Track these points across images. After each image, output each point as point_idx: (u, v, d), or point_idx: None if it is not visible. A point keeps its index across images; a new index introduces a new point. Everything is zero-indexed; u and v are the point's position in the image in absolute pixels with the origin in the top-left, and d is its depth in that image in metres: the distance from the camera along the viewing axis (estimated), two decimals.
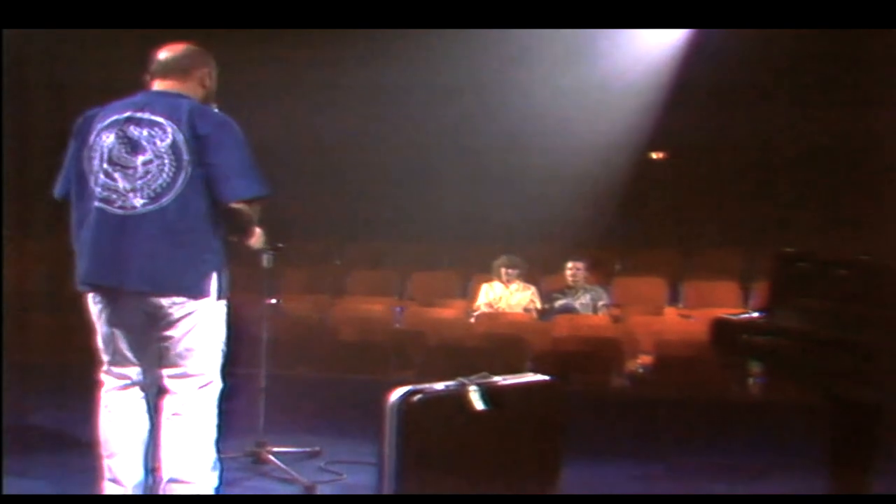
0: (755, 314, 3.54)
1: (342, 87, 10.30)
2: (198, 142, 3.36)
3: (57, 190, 3.56)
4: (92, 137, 3.47)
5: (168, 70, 3.52)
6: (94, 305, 3.52)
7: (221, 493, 3.56)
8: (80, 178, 3.48)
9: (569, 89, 9.61)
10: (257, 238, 3.68)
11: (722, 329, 3.42)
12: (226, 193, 3.36)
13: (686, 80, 9.45)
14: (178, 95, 3.49)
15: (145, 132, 3.42)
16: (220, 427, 3.52)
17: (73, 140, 3.55)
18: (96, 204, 3.41)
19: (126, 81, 3.57)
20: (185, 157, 3.36)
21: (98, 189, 3.42)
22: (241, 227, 3.50)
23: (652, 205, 10.88)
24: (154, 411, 3.54)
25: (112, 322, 3.49)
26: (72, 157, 3.53)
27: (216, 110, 3.49)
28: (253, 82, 9.43)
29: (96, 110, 3.55)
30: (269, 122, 9.84)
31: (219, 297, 3.47)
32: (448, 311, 8.77)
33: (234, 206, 3.37)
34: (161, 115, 3.42)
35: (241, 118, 3.46)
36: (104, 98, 3.59)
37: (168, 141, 3.39)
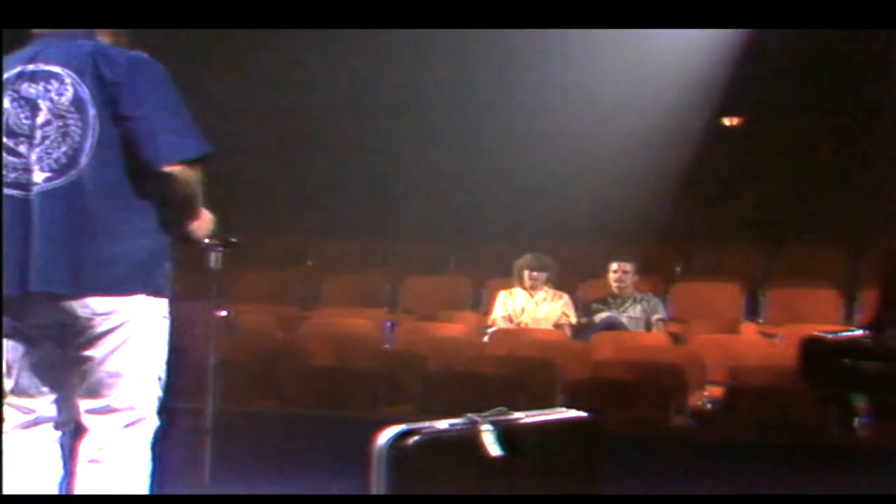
0: (860, 332, 3.53)
1: (338, 65, 10.44)
2: (107, 92, 3.34)
3: None
4: None
5: None
6: None
7: None
8: None
9: (613, 51, 9.64)
10: (205, 223, 3.62)
11: (816, 351, 3.41)
12: (152, 154, 3.32)
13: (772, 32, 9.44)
14: (78, 37, 3.47)
15: (41, 87, 3.40)
16: (152, 479, 3.52)
17: None
18: (4, 191, 3.40)
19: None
20: (92, 113, 3.36)
21: (5, 171, 3.42)
22: (180, 204, 3.49)
23: (724, 187, 10.87)
24: (69, 457, 3.52)
25: (16, 338, 3.47)
26: None
27: (130, 51, 3.46)
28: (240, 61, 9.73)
29: None
30: (231, 90, 10.04)
31: (153, 293, 3.45)
32: (454, 327, 8.77)
33: (168, 171, 3.36)
34: (56, 64, 3.40)
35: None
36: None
37: (68, 94, 3.37)
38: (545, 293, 8.72)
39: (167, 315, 3.52)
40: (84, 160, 3.37)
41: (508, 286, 8.82)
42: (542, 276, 8.72)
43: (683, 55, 9.82)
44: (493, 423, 3.47)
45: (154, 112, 3.36)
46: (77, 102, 3.38)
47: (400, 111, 10.76)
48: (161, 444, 3.57)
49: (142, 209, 3.42)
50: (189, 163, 3.39)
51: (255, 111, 10.77)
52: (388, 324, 8.94)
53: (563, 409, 3.83)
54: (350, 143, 11.06)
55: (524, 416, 3.60)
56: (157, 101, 3.37)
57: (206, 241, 3.79)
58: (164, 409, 3.59)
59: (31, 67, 3.44)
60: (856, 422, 6.63)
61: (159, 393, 3.53)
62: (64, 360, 3.48)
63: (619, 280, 8.62)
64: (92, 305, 3.38)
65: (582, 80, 10.00)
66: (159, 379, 3.53)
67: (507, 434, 3.46)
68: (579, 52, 9.73)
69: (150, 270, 3.44)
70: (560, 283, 8.86)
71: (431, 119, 10.70)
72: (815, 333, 3.51)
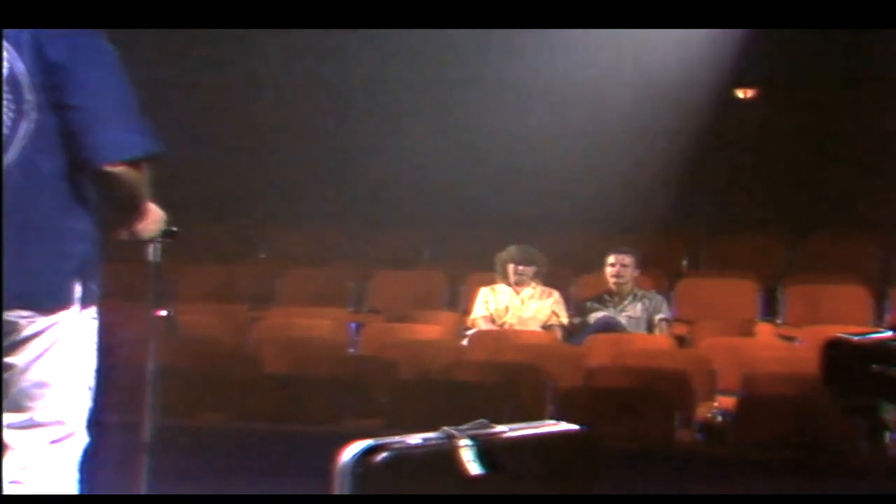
0: (891, 333, 3.55)
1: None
2: (49, 74, 3.32)
3: None
4: None
5: None
6: None
7: None
8: None
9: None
10: (152, 222, 3.67)
11: (841, 356, 3.43)
12: (92, 151, 3.33)
13: None
14: None
15: None
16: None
17: None
18: None
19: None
20: (29, 96, 3.34)
21: None
22: (122, 205, 3.49)
23: (737, 169, 10.91)
24: None
25: None
26: None
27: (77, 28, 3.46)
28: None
29: None
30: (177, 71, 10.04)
31: (84, 305, 3.47)
32: (429, 329, 8.78)
33: (111, 170, 3.36)
34: None
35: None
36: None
37: (3, 72, 3.35)
38: (532, 290, 8.73)
39: (96, 316, 3.53)
40: (13, 151, 3.35)
41: (490, 282, 8.83)
42: (529, 270, 8.73)
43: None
44: (472, 437, 3.48)
45: (100, 102, 3.35)
46: (12, 82, 3.34)
47: (367, 89, 10.77)
48: (91, 464, 3.57)
49: (80, 209, 3.42)
50: (132, 163, 3.39)
51: (201, 89, 10.74)
52: (353, 325, 8.95)
53: (553, 421, 3.84)
54: (308, 120, 11.04)
55: (508, 430, 3.61)
56: (104, 90, 3.36)
57: (155, 237, 3.81)
58: (95, 424, 3.60)
59: None
60: (886, 436, 6.68)
61: (89, 404, 3.54)
62: None
63: (616, 275, 8.64)
64: (18, 311, 3.38)
65: (577, 48, 10.01)
66: (89, 389, 3.54)
67: (488, 450, 3.47)
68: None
69: (86, 280, 3.45)
70: (550, 278, 8.88)
71: (403, 93, 10.70)
72: (840, 335, 3.52)
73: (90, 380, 3.54)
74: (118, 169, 3.38)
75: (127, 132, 3.37)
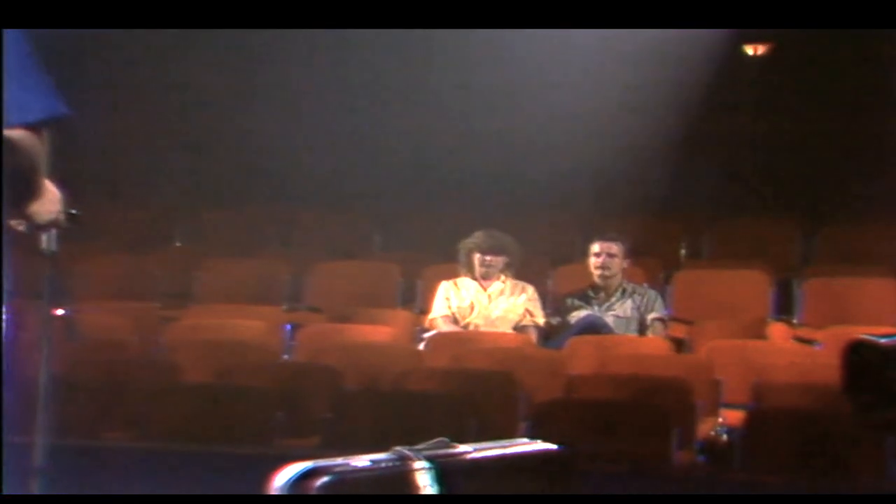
0: None
1: None
2: None
3: None
4: None
5: None
6: None
7: None
8: None
9: None
10: (48, 203, 3.67)
11: (866, 361, 3.45)
12: None
13: None
14: None
15: None
16: None
17: None
18: None
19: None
20: None
21: None
22: (16, 180, 3.50)
23: (745, 143, 10.95)
24: None
25: None
26: None
27: None
28: None
29: None
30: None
31: None
32: (379, 331, 8.80)
33: (7, 136, 3.38)
34: None
35: None
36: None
37: None
38: (502, 284, 8.75)
39: None
40: None
41: (453, 275, 8.85)
42: (499, 261, 8.75)
43: None
44: (430, 459, 3.50)
45: None
46: None
47: (311, 57, 10.75)
48: None
49: None
50: (33, 127, 3.40)
51: (113, 56, 10.72)
52: (288, 326, 8.94)
53: (527, 440, 3.86)
54: (234, 85, 11.01)
55: (473, 451, 3.62)
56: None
57: (53, 219, 3.81)
58: None
59: None
60: None
61: None
62: None
63: (602, 266, 8.67)
64: None
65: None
66: None
67: (449, 474, 3.49)
68: None
69: None
70: (523, 270, 8.90)
71: (350, 58, 10.69)
72: (865, 336, 3.56)
73: None
74: (14, 135, 3.39)
75: (25, 92, 3.39)
